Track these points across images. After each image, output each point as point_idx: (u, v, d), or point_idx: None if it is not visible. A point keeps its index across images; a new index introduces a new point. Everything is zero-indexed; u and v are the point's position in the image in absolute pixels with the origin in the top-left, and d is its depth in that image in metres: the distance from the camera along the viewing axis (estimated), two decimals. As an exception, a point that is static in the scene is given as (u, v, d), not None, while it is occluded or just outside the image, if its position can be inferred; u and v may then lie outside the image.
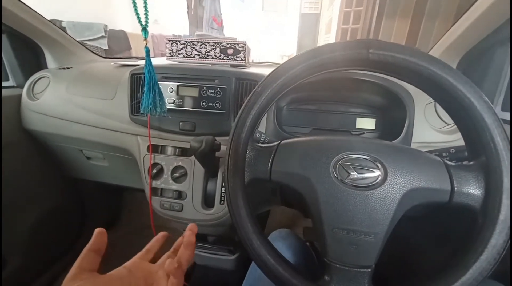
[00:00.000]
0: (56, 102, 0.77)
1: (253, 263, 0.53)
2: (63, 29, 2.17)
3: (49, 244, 0.99)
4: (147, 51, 0.44)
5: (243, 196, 0.36)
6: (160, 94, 0.54)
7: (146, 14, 0.38)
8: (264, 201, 0.80)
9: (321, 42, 6.05)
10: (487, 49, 0.55)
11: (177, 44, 0.74)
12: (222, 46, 0.73)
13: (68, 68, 0.85)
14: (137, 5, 0.37)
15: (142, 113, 0.64)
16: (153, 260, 0.38)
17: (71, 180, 1.03)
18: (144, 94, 0.50)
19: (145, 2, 0.37)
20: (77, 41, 0.99)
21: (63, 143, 0.87)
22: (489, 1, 0.47)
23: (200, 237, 0.84)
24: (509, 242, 0.30)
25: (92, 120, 0.73)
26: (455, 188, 0.32)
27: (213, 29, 3.20)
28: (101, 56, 1.06)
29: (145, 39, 0.41)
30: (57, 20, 2.20)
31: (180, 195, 0.66)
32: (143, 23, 0.39)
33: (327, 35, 5.29)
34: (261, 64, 1.02)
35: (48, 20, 0.86)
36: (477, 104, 0.31)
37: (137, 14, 0.38)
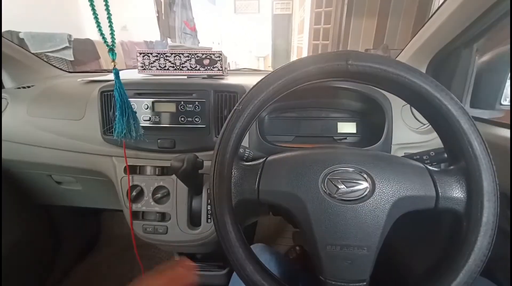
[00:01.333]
0: (16, 126, 0.70)
1: (233, 277, 0.52)
2: (21, 41, 2.02)
3: (21, 276, 0.90)
4: (116, 73, 0.41)
5: (231, 220, 0.35)
6: (134, 117, 0.50)
7: (112, 33, 0.35)
8: (252, 214, 0.78)
9: (294, 42, 6.16)
10: (453, 51, 0.58)
11: (149, 57, 0.70)
12: (198, 56, 0.70)
13: (28, 87, 0.78)
14: (102, 23, 0.34)
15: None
16: None
17: (41, 207, 0.95)
18: (117, 119, 0.47)
19: (109, 21, 0.34)
20: (37, 54, 0.91)
21: (28, 170, 0.79)
22: (455, 4, 0.50)
23: (188, 256, 0.81)
24: (493, 243, 0.31)
25: (59, 143, 0.67)
26: (440, 193, 0.33)
27: (187, 34, 3.13)
28: (66, 71, 0.98)
29: (113, 60, 0.38)
30: (14, 31, 2.02)
31: (163, 217, 0.63)
32: (110, 43, 0.36)
33: (300, 35, 5.40)
34: (238, 71, 1.01)
35: (3, 32, 0.78)
36: (453, 111, 0.32)
37: (102, 35, 0.35)
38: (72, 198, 0.88)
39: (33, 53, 0.90)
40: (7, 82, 0.83)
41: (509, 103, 0.60)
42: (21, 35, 2.04)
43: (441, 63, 0.62)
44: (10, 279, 0.86)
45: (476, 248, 0.30)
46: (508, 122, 0.55)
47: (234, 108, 0.36)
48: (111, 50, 0.37)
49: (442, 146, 0.38)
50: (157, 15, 3.51)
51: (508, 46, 0.56)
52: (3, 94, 0.75)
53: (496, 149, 0.47)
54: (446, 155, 0.38)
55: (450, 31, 0.54)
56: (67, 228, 1.10)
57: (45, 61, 0.94)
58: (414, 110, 0.61)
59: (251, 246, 0.53)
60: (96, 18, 0.32)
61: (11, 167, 0.80)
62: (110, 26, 0.35)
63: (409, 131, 0.61)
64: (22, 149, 0.70)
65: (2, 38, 0.78)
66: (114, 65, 0.39)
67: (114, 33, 0.36)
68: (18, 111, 0.71)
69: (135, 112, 0.52)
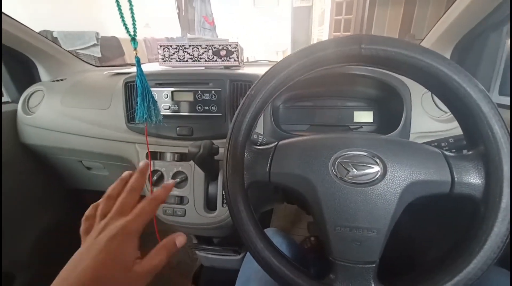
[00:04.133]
0: (52, 115, 0.77)
1: (246, 258, 0.53)
2: (55, 39, 2.17)
3: (57, 257, 0.99)
4: (138, 61, 0.44)
5: (243, 200, 0.36)
6: (154, 102, 0.53)
7: (134, 24, 0.38)
8: (266, 200, 0.80)
9: (314, 35, 6.00)
10: (480, 34, 0.55)
11: (169, 49, 0.74)
12: (215, 48, 0.72)
13: (61, 80, 0.85)
14: (125, 15, 0.37)
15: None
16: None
17: (73, 191, 1.03)
18: (138, 104, 0.50)
19: (132, 12, 0.37)
20: (69, 51, 0.98)
21: (62, 155, 0.87)
22: None
23: (205, 240, 0.84)
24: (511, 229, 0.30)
25: (88, 131, 0.73)
26: (455, 178, 0.32)
27: (206, 29, 3.18)
28: (94, 65, 1.05)
29: (135, 49, 0.41)
30: (48, 31, 2.18)
31: (182, 200, 0.66)
32: (132, 33, 0.38)
33: (321, 27, 5.25)
34: (255, 63, 1.02)
35: (39, 32, 0.86)
36: (473, 93, 0.31)
37: (124, 25, 0.37)
38: (100, 183, 0.95)
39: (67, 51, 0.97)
40: (43, 75, 0.91)
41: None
42: (54, 34, 2.20)
43: (468, 48, 0.58)
44: (46, 261, 0.95)
45: (493, 234, 0.30)
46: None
47: (248, 93, 0.37)
48: (133, 39, 0.39)
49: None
50: (177, 11, 3.59)
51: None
52: (40, 87, 0.82)
53: None
54: (465, 142, 0.37)
55: (476, 12, 0.50)
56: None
57: (75, 55, 1.02)
58: (435, 98, 0.58)
59: (265, 230, 0.55)
60: (119, 8, 0.35)
61: (47, 154, 0.87)
62: (132, 16, 0.37)
63: (429, 120, 0.59)
64: (57, 136, 0.77)
65: (39, 35, 0.85)
66: (136, 53, 0.42)
67: (136, 23, 0.38)
68: (53, 102, 0.78)
69: (155, 99, 0.55)
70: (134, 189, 0.33)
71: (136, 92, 0.50)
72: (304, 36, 6.47)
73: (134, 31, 0.39)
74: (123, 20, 0.37)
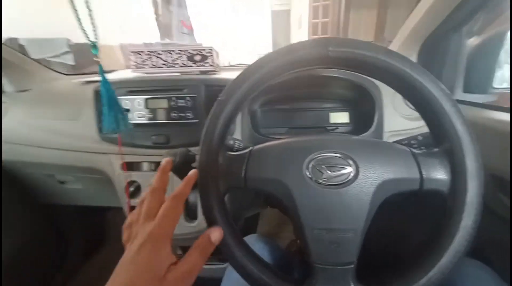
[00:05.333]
0: (17, 128, 0.72)
1: (229, 267, 0.52)
2: (21, 47, 2.05)
3: (31, 276, 0.93)
4: (101, 68, 0.42)
5: (219, 208, 0.35)
6: (122, 111, 0.51)
7: (94, 29, 0.36)
8: (249, 206, 0.79)
9: (294, 37, 6.12)
10: (443, 35, 0.57)
11: (141, 55, 0.71)
12: (189, 53, 0.71)
13: (26, 90, 0.80)
14: (84, 20, 0.35)
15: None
16: None
17: (46, 207, 0.97)
18: (104, 114, 0.48)
19: (91, 17, 0.35)
20: (37, 59, 0.93)
21: (31, 170, 0.81)
22: None
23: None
24: (478, 222, 0.31)
25: (58, 143, 0.69)
26: (424, 175, 0.33)
27: (184, 33, 3.14)
28: (63, 73, 1.00)
29: (96, 56, 0.39)
30: (14, 38, 2.06)
31: None
32: (92, 39, 0.37)
33: (299, 30, 5.36)
34: (232, 67, 1.01)
35: (4, 39, 0.80)
36: (435, 92, 0.32)
37: (83, 30, 0.36)
38: (73, 196, 0.90)
39: (33, 59, 0.92)
40: (6, 86, 0.85)
41: (502, 86, 0.59)
42: (21, 42, 2.08)
43: (432, 49, 0.61)
44: (18, 279, 0.88)
45: (461, 227, 0.31)
46: (502, 105, 0.54)
47: (218, 98, 0.36)
48: (94, 45, 0.38)
49: None
50: (155, 16, 3.52)
51: (499, 28, 0.55)
52: (3, 98, 0.77)
53: (495, 133, 0.47)
54: None
55: (437, 15, 0.53)
56: (73, 227, 1.12)
57: (42, 65, 0.96)
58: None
59: (245, 237, 0.54)
60: (75, 12, 0.33)
61: (14, 169, 0.82)
62: (92, 21, 0.35)
63: (401, 118, 0.61)
64: (23, 150, 0.72)
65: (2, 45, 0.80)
66: (99, 61, 0.40)
67: (96, 28, 0.36)
68: (17, 114, 0.73)
69: (128, 107, 0.53)
70: (157, 190, 0.32)
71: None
72: (284, 39, 6.58)
73: (95, 36, 0.37)
74: (80, 25, 0.35)
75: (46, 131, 0.70)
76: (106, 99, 0.46)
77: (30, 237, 0.93)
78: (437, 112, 0.32)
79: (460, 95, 0.61)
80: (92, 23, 0.36)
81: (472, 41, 0.60)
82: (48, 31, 2.33)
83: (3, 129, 0.73)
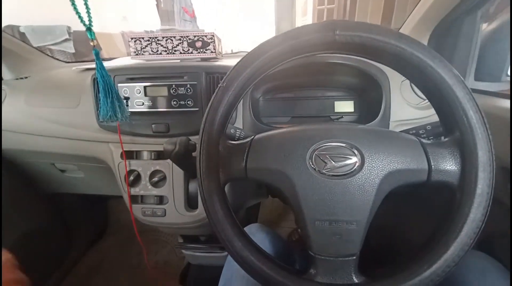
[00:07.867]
0: (16, 116, 0.71)
1: (228, 258, 0.52)
2: (22, 35, 2.02)
3: (36, 265, 0.95)
4: (96, 54, 0.40)
5: (219, 199, 0.35)
6: (119, 98, 0.50)
7: (88, 12, 0.34)
8: (251, 195, 0.79)
9: (298, 24, 5.96)
10: (456, 20, 0.54)
11: (140, 41, 0.69)
12: (189, 39, 0.68)
13: (25, 77, 0.78)
14: (79, 3, 0.33)
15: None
16: None
17: (48, 196, 0.98)
18: (101, 101, 0.46)
19: (85, 0, 0.33)
20: (38, 47, 0.91)
21: (32, 159, 0.81)
22: None
23: (191, 238, 0.83)
24: (487, 215, 0.30)
25: (58, 132, 0.68)
26: (432, 166, 0.32)
27: (186, 21, 3.07)
28: (63, 61, 0.98)
29: (92, 40, 0.37)
30: (14, 25, 2.03)
31: (161, 200, 0.64)
32: (86, 22, 0.35)
33: (304, 17, 5.21)
34: (235, 54, 0.98)
35: (4, 27, 0.79)
36: (447, 78, 0.30)
37: (77, 13, 0.34)
38: (75, 185, 0.90)
39: (34, 47, 0.90)
40: (5, 74, 0.84)
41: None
42: (21, 29, 2.04)
43: (444, 34, 0.58)
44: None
45: (469, 220, 0.30)
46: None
47: (219, 85, 0.35)
48: (89, 29, 0.36)
49: None
50: (156, 3, 3.44)
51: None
52: (2, 86, 0.76)
53: (503, 122, 0.45)
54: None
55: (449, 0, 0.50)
56: (76, 216, 1.14)
57: (42, 52, 0.94)
58: (414, 85, 0.58)
59: (246, 227, 0.54)
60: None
61: (16, 158, 0.82)
62: (86, 4, 0.33)
63: (408, 107, 0.59)
64: (23, 139, 0.72)
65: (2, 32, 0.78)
66: (94, 46, 0.38)
67: (90, 11, 0.34)
68: (16, 102, 0.72)
69: (127, 94, 0.51)
70: None
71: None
72: (289, 26, 6.41)
73: (90, 20, 0.35)
74: (75, 9, 0.33)
75: (45, 119, 0.69)
76: (102, 86, 0.44)
77: (35, 226, 0.94)
78: (449, 99, 0.30)
79: (471, 83, 0.58)
80: (86, 5, 0.34)
81: (485, 26, 0.56)
82: (49, 18, 2.29)
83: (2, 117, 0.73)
